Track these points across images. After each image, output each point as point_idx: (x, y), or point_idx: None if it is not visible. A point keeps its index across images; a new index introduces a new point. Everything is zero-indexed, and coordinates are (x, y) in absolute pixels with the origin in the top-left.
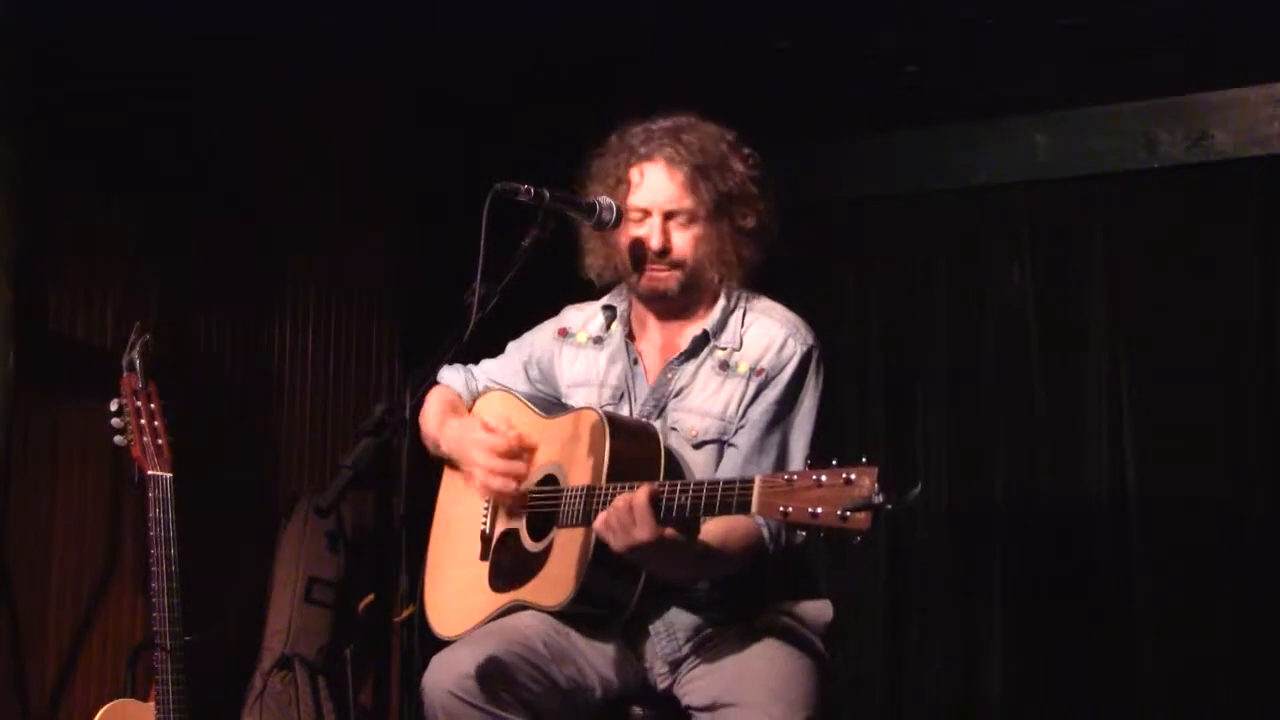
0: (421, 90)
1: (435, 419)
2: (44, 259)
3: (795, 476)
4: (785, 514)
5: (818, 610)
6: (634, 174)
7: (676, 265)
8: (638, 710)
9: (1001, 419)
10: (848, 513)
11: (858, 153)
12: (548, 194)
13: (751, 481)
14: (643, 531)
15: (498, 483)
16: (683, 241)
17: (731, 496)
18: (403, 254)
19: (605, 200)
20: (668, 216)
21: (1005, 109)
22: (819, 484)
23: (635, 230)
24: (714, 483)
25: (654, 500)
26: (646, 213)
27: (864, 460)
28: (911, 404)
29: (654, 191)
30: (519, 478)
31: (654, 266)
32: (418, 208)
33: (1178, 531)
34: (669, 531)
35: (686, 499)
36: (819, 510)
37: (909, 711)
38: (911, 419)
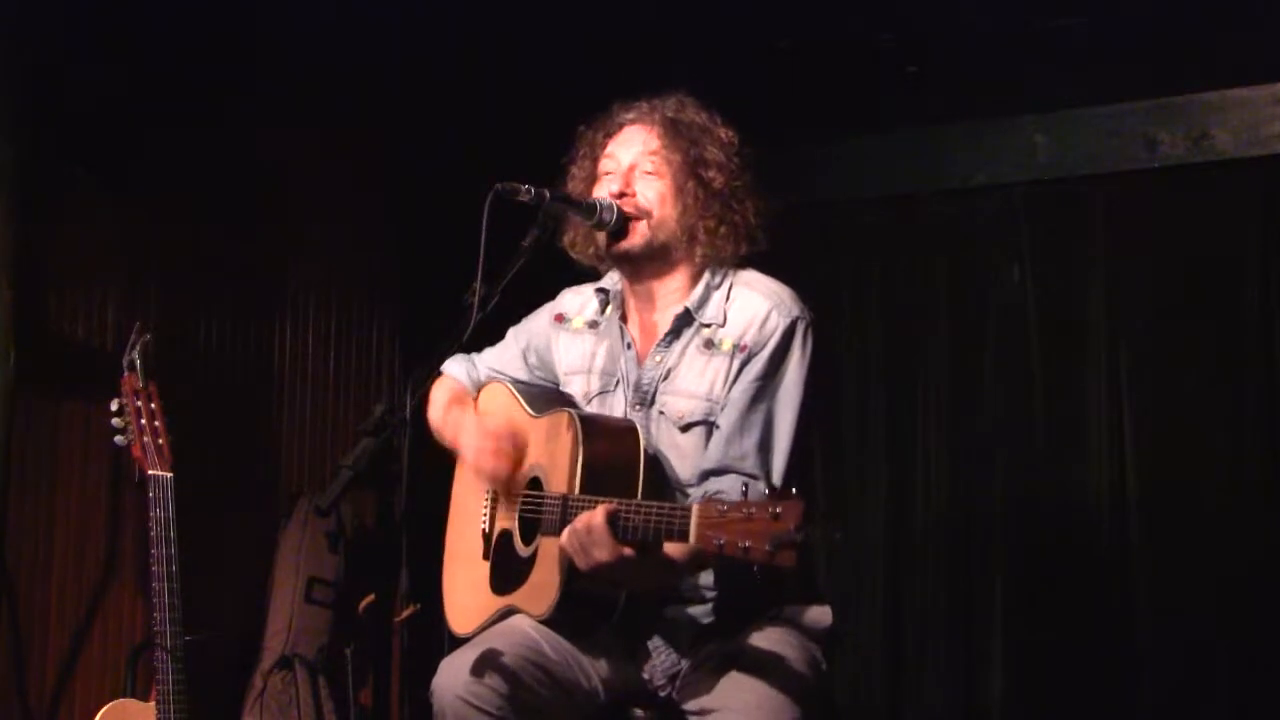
0: (421, 90)
1: (440, 409)
2: (44, 259)
3: (728, 507)
4: (720, 546)
5: (817, 615)
6: (609, 143)
7: (639, 215)
8: (639, 713)
9: (1001, 419)
10: (775, 550)
11: (858, 153)
12: (548, 194)
13: (690, 511)
14: (602, 552)
15: (489, 464)
16: (646, 189)
17: (674, 524)
18: (402, 254)
19: (606, 200)
20: (633, 168)
21: (1005, 109)
22: (749, 517)
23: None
24: (661, 507)
25: (611, 520)
26: (615, 166)
27: (794, 491)
28: (911, 404)
29: (622, 146)
30: (507, 457)
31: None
32: (417, 208)
33: (1178, 531)
34: (628, 551)
35: (639, 519)
36: (749, 545)
37: (909, 716)
38: (911, 419)
